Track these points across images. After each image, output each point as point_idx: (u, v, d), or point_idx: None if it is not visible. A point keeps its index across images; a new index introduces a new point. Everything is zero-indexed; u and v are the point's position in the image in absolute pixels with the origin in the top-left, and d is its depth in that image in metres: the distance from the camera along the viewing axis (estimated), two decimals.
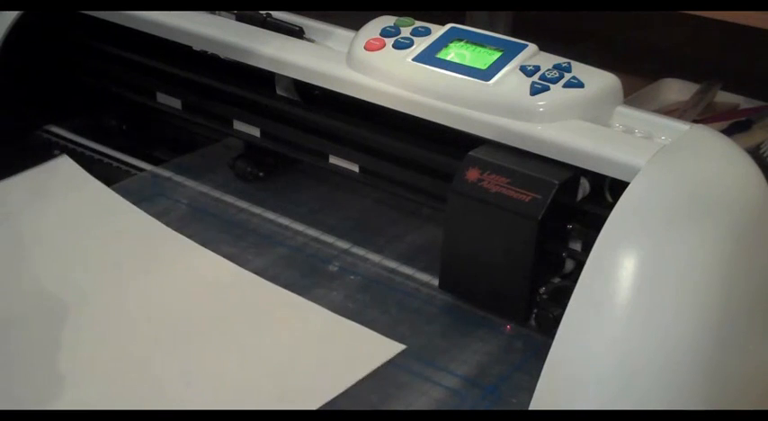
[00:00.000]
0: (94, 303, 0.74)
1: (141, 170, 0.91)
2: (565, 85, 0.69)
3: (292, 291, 0.75)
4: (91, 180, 0.87)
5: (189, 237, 0.80)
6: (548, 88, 0.69)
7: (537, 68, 0.70)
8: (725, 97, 1.14)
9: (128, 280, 0.76)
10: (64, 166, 0.89)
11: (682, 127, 0.68)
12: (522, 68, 0.71)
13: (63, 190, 0.86)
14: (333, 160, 0.82)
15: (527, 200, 0.66)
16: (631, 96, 1.07)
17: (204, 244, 0.80)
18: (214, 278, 0.76)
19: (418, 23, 0.76)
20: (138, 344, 0.70)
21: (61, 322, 0.71)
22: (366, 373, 0.67)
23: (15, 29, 0.88)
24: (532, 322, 0.70)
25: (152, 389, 0.66)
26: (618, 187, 0.64)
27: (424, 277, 0.77)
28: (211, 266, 0.77)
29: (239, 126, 0.87)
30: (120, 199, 0.84)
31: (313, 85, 0.78)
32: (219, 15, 0.85)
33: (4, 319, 0.72)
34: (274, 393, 0.66)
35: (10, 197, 0.84)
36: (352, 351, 0.69)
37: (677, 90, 1.16)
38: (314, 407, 0.64)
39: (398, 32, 0.75)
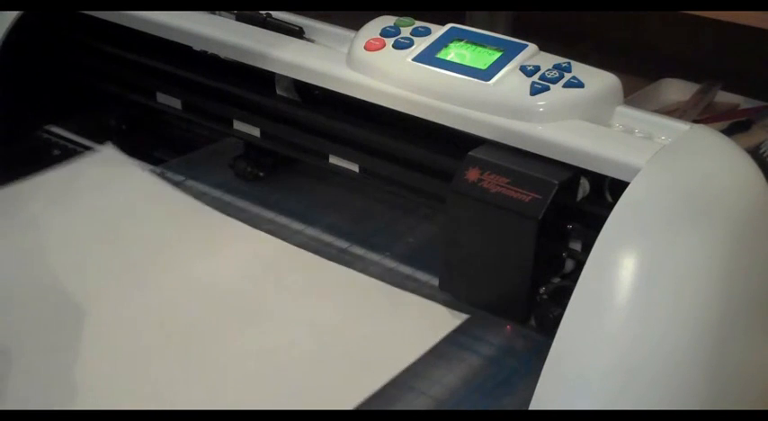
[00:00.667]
0: (143, 286, 0.75)
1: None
2: (565, 85, 0.69)
3: None
4: (137, 168, 0.88)
5: None
6: (548, 88, 0.69)
7: (537, 68, 0.70)
8: (725, 97, 1.14)
9: (174, 265, 0.77)
10: (109, 155, 0.89)
11: (682, 127, 0.68)
12: (522, 68, 0.71)
13: (111, 178, 0.87)
14: (333, 160, 0.82)
15: (527, 200, 0.66)
16: (631, 96, 1.07)
17: None
18: (273, 257, 0.78)
19: (418, 23, 0.76)
20: (189, 327, 0.71)
21: (118, 303, 0.73)
22: (436, 342, 0.68)
23: (15, 29, 0.88)
24: (532, 322, 0.70)
25: (213, 371, 0.67)
26: (618, 187, 0.64)
27: (424, 277, 0.77)
28: (265, 245, 0.79)
29: (239, 126, 0.87)
30: (167, 185, 0.85)
31: (313, 85, 0.78)
32: (219, 15, 0.85)
33: (54, 303, 0.73)
34: (349, 366, 0.67)
35: (54, 187, 0.85)
36: (418, 321, 0.71)
37: (677, 90, 1.16)
38: (389, 378, 0.65)
39: (398, 32, 0.75)
